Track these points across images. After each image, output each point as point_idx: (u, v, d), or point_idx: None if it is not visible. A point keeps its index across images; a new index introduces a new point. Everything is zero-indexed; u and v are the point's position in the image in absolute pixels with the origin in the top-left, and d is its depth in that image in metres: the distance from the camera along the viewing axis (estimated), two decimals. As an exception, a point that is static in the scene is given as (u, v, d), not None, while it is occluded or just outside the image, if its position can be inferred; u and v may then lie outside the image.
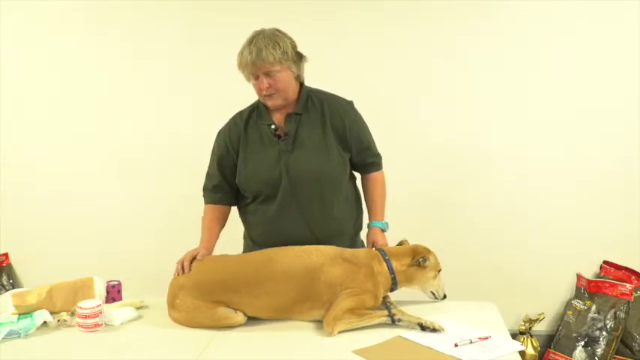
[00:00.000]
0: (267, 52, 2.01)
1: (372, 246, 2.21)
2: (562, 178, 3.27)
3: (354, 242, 2.26)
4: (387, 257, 2.01)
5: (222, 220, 2.25)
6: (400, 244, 2.14)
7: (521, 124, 3.26)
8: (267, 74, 2.04)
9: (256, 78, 2.07)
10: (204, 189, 2.28)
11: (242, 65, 2.07)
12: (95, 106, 3.44)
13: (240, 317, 1.94)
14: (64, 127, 3.47)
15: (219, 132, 2.25)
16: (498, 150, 3.29)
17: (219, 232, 2.23)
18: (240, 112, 2.24)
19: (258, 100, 2.20)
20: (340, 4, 3.24)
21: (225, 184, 2.22)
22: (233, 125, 2.21)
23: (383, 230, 2.24)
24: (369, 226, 2.26)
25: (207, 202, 2.27)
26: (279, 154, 2.11)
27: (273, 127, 2.14)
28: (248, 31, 2.13)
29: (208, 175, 2.27)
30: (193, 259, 2.05)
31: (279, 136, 2.13)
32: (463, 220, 3.33)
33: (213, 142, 2.27)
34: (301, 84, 2.20)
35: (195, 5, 3.31)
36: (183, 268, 2.03)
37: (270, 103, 2.10)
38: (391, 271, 1.99)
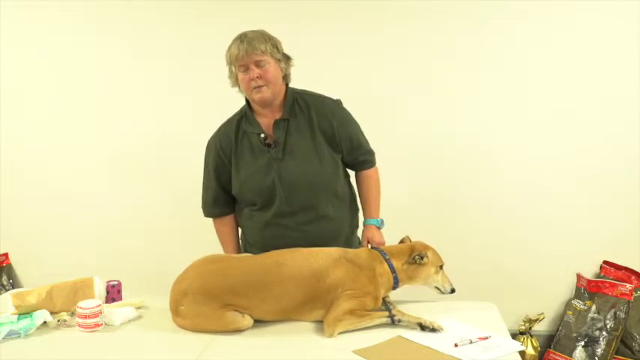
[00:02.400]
0: (259, 42, 2.04)
1: (367, 243, 2.21)
2: (562, 178, 3.27)
3: (350, 242, 2.25)
4: (387, 257, 2.01)
5: (236, 229, 2.31)
6: (402, 241, 2.15)
7: (521, 124, 3.26)
8: (258, 64, 2.04)
9: (246, 70, 2.05)
10: (205, 203, 2.29)
11: (232, 58, 2.07)
12: (95, 105, 3.44)
13: (247, 320, 1.93)
14: (64, 127, 3.47)
15: (209, 143, 2.24)
16: (498, 150, 3.29)
17: (238, 236, 2.31)
18: (229, 121, 2.22)
19: (245, 106, 2.20)
20: (339, 5, 3.24)
21: (225, 195, 2.23)
22: (224, 136, 2.20)
23: (378, 228, 2.25)
24: (364, 224, 2.27)
25: (211, 216, 2.29)
26: (269, 162, 2.11)
27: (262, 135, 2.13)
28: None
29: (206, 188, 2.27)
30: None
31: (268, 145, 2.13)
32: (463, 220, 3.33)
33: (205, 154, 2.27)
34: (286, 86, 2.19)
35: (194, 5, 3.30)
36: None
37: (258, 96, 2.08)
38: (392, 270, 2.00)
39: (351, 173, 2.33)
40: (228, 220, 2.30)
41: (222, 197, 2.24)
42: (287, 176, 2.09)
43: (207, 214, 2.31)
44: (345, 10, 3.23)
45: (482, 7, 3.20)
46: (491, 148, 3.29)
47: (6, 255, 3.62)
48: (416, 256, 2.01)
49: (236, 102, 2.25)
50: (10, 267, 3.62)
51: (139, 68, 3.39)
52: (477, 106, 3.27)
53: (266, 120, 2.16)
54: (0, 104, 3.48)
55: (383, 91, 3.26)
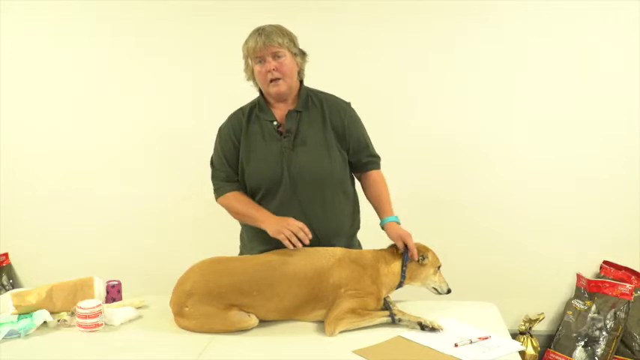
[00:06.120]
0: (276, 35, 2.07)
1: (400, 240, 2.07)
2: (562, 178, 3.27)
3: (351, 242, 2.25)
4: (406, 264, 2.01)
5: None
6: None
7: (521, 124, 3.26)
8: (275, 56, 2.06)
9: (262, 62, 2.07)
10: (216, 179, 2.21)
11: (249, 50, 2.09)
12: (95, 106, 3.44)
13: (253, 320, 1.93)
14: (64, 127, 3.47)
15: (221, 128, 2.24)
16: (498, 150, 3.29)
17: None
18: (241, 108, 2.24)
19: (259, 97, 2.21)
20: (338, 4, 3.24)
21: (236, 176, 2.19)
22: (235, 120, 2.20)
23: (398, 224, 2.19)
24: (384, 222, 2.16)
25: (226, 191, 2.18)
26: (281, 150, 2.11)
27: (275, 123, 2.14)
28: (247, 31, 2.13)
29: (216, 167, 2.22)
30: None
31: (280, 133, 2.13)
32: (463, 220, 3.33)
33: (214, 141, 2.26)
34: (301, 82, 2.21)
35: (194, 4, 3.30)
36: (305, 233, 1.95)
37: (274, 90, 2.10)
38: (404, 275, 2.01)
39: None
40: (243, 194, 2.17)
41: (233, 176, 2.18)
42: (296, 166, 2.09)
43: (222, 191, 2.19)
44: (341, 9, 3.23)
45: (482, 8, 3.20)
46: (491, 148, 3.29)
47: (6, 255, 3.62)
48: (419, 257, 2.03)
49: (237, 102, 2.25)
50: (10, 267, 3.62)
51: (140, 67, 3.39)
52: (477, 106, 3.27)
53: (279, 112, 2.17)
54: (0, 104, 3.48)
55: (383, 91, 3.26)
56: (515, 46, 3.21)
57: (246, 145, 2.16)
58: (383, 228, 2.18)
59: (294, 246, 1.95)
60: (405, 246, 2.05)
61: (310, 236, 1.97)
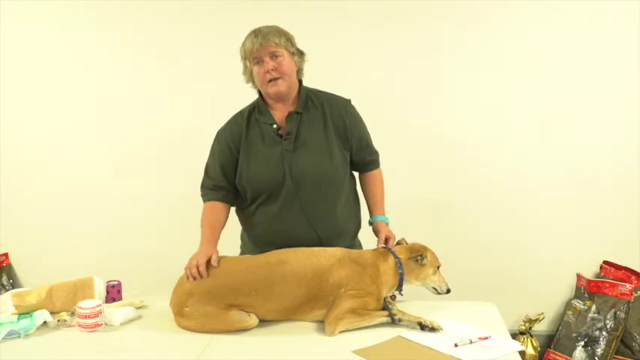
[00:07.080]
0: (273, 36, 2.06)
1: (385, 238, 2.14)
2: (562, 178, 3.27)
3: (353, 242, 2.25)
4: (399, 263, 2.01)
5: (224, 219, 2.19)
6: (398, 243, 2.15)
7: (521, 124, 3.26)
8: (273, 56, 2.06)
9: (260, 63, 2.07)
10: (204, 187, 2.23)
11: (247, 52, 2.09)
12: (95, 106, 3.44)
13: (253, 320, 1.93)
14: (64, 127, 3.47)
15: (219, 132, 2.23)
16: (498, 150, 3.29)
17: (221, 230, 2.16)
18: (240, 112, 2.23)
19: (258, 99, 2.20)
20: (337, 4, 3.24)
21: (227, 185, 2.19)
22: (234, 125, 2.20)
23: (387, 224, 2.23)
24: (374, 220, 2.22)
25: (208, 199, 2.21)
26: (282, 153, 2.10)
27: (275, 126, 2.13)
28: (247, 30, 2.14)
29: (208, 175, 2.23)
30: (207, 262, 1.97)
31: (280, 136, 2.13)
32: (463, 220, 3.33)
33: (212, 142, 2.26)
34: (300, 82, 2.20)
35: (194, 4, 3.30)
36: (199, 273, 1.95)
37: (274, 90, 2.09)
38: (400, 266, 2.00)
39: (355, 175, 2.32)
40: (221, 208, 2.19)
41: (223, 185, 2.19)
42: (297, 168, 2.08)
43: (205, 199, 2.22)
44: (340, 9, 3.23)
45: (482, 8, 3.21)
46: (491, 148, 3.29)
47: (6, 255, 3.62)
48: (417, 256, 2.03)
49: (238, 102, 2.25)
50: (10, 267, 3.62)
51: (140, 68, 3.39)
52: (478, 106, 3.27)
53: (279, 113, 2.16)
54: (0, 104, 3.48)
55: (383, 91, 3.26)
56: (515, 46, 3.21)
57: (246, 149, 2.15)
58: (371, 224, 2.21)
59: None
60: (386, 241, 2.09)
61: (204, 276, 1.95)
